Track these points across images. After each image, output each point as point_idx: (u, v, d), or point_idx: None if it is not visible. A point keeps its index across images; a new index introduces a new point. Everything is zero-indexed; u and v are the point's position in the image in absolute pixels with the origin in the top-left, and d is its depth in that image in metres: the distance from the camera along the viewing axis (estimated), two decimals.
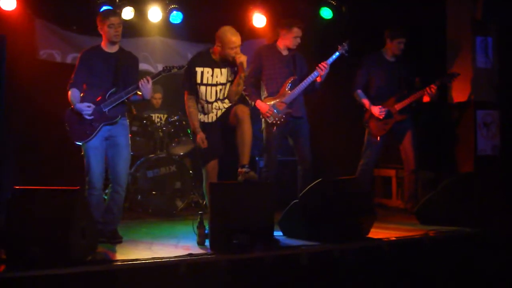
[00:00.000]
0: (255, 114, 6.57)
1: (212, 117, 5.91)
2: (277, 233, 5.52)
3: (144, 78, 5.49)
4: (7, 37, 4.53)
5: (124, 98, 5.52)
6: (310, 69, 6.66)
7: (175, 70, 5.78)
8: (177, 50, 9.03)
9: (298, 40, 6.69)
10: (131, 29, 8.34)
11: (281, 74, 6.66)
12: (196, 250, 5.03)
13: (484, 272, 5.49)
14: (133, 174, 7.38)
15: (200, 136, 5.74)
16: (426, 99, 6.98)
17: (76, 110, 5.41)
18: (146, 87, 5.48)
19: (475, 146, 7.91)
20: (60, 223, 4.37)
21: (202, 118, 5.91)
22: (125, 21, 7.91)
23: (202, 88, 5.82)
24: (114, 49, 5.64)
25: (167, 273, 4.50)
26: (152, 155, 7.59)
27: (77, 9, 8.05)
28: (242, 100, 5.84)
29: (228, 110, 5.85)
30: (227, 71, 5.85)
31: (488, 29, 8.09)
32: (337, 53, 6.60)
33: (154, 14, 8.13)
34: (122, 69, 5.62)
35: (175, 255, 4.76)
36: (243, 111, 5.65)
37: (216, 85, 5.83)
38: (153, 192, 7.39)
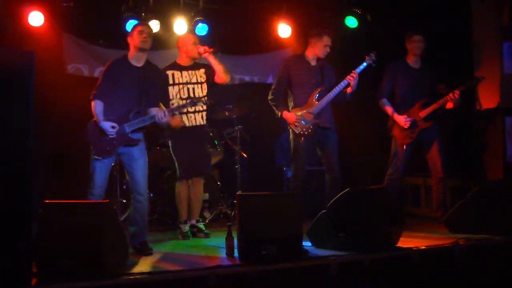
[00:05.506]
0: (282, 124, 6.56)
1: (191, 121, 6.45)
2: (306, 244, 5.50)
3: (162, 112, 5.64)
4: (35, 52, 4.56)
5: (146, 123, 5.64)
6: (339, 79, 6.63)
7: (200, 104, 6.25)
8: (203, 62, 9.06)
9: (328, 49, 6.71)
10: (157, 42, 8.40)
11: (309, 85, 6.66)
12: (225, 261, 5.05)
13: None
14: (161, 186, 7.42)
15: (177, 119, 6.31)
16: (449, 105, 6.91)
17: (100, 126, 5.48)
18: (162, 121, 5.67)
19: (504, 153, 7.81)
20: (91, 236, 4.42)
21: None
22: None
23: (175, 88, 6.44)
24: (141, 62, 5.71)
25: (196, 285, 4.51)
26: None
27: (103, 23, 8.14)
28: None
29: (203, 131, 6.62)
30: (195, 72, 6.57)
31: None
32: (365, 64, 6.58)
33: (180, 26, 8.16)
34: (148, 84, 5.70)
35: (204, 266, 4.78)
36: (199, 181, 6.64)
37: (186, 84, 6.48)
38: None
